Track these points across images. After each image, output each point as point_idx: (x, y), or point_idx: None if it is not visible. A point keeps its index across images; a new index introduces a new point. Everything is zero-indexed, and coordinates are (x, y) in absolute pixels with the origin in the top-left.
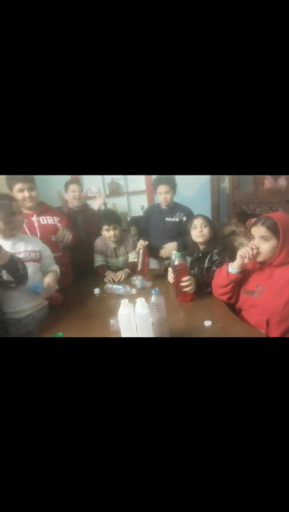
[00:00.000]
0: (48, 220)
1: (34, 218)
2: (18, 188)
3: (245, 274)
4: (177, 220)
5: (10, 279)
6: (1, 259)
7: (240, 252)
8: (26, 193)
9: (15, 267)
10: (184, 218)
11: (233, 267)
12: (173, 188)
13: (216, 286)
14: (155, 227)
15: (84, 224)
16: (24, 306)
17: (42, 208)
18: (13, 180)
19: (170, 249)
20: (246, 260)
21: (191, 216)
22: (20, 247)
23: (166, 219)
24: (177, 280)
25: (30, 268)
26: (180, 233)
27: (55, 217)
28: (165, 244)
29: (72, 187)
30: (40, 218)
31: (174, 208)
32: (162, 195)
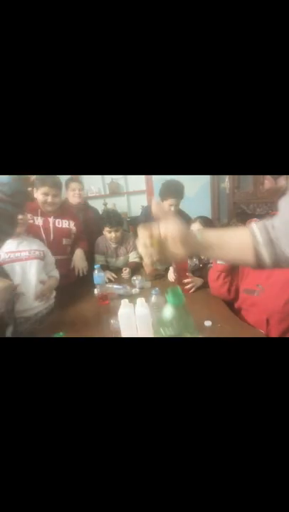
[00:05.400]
0: (63, 223)
1: (51, 219)
2: (43, 192)
3: (235, 267)
4: None
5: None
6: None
7: None
8: (50, 199)
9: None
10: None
11: None
12: (179, 200)
13: (211, 282)
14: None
15: (84, 222)
16: (33, 304)
17: (61, 210)
18: (41, 181)
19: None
20: None
21: (183, 214)
22: (24, 247)
23: None
24: (178, 274)
25: (34, 265)
26: None
27: (70, 221)
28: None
29: (73, 185)
30: (56, 220)
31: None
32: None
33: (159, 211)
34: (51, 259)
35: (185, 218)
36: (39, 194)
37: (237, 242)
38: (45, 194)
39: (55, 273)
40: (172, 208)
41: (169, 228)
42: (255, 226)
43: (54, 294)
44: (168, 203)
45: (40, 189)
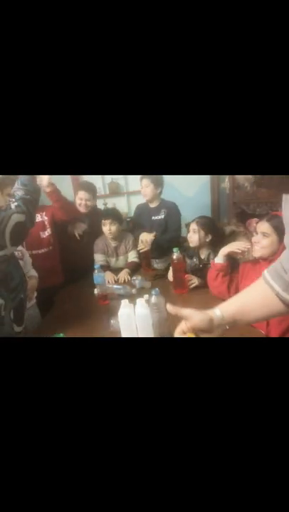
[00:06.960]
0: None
1: None
2: (79, 197)
3: (232, 264)
4: (162, 217)
5: None
6: None
7: (234, 245)
8: (83, 202)
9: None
10: (166, 212)
11: (218, 257)
12: (155, 182)
13: (210, 281)
14: (143, 227)
15: (92, 228)
16: None
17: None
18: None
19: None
20: (239, 255)
21: (172, 210)
22: None
23: (153, 217)
24: (175, 274)
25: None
26: (165, 231)
27: (42, 213)
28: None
29: (80, 194)
30: None
31: (159, 205)
32: (143, 189)
33: (173, 312)
34: (29, 259)
35: (168, 207)
36: (77, 198)
37: (259, 301)
38: (80, 199)
39: (34, 272)
40: (144, 190)
41: (191, 324)
42: (268, 276)
43: (35, 294)
44: (142, 185)
45: (78, 193)
